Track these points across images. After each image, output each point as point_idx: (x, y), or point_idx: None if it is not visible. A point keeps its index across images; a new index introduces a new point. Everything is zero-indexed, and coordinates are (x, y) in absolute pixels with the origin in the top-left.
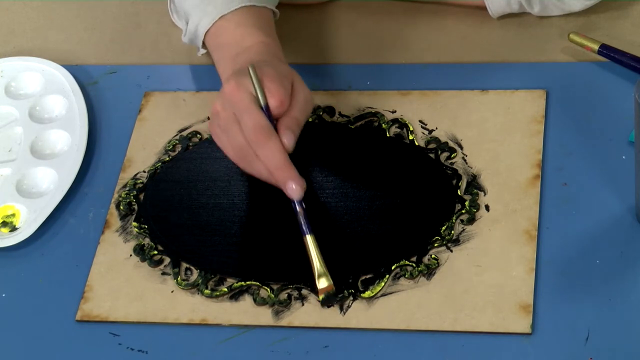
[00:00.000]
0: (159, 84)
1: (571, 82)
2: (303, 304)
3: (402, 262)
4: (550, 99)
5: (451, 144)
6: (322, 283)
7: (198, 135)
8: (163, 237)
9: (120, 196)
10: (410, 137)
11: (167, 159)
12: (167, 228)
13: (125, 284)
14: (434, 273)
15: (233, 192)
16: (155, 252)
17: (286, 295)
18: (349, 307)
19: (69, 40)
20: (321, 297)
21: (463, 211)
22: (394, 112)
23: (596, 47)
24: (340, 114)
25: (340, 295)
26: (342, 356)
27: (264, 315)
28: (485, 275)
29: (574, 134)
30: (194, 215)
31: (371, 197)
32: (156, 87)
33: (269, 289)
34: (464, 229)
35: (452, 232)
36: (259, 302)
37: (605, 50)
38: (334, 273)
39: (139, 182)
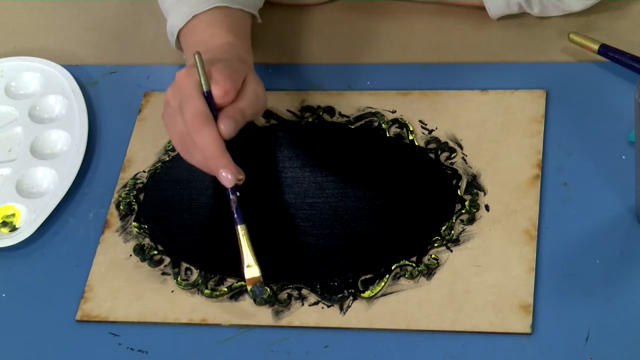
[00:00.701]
0: (159, 84)
1: (571, 82)
2: (303, 304)
3: (402, 262)
4: (550, 99)
5: (451, 144)
6: (251, 273)
7: None
8: (163, 237)
9: (120, 196)
10: (410, 137)
11: (167, 159)
12: (167, 228)
13: (125, 284)
14: (434, 273)
15: None
16: (155, 252)
17: (286, 295)
18: (349, 307)
19: (69, 40)
20: (249, 287)
21: (463, 211)
22: (394, 112)
23: (596, 47)
24: (340, 114)
25: (267, 291)
26: (342, 356)
27: (264, 315)
28: (485, 275)
29: (574, 134)
30: (194, 215)
31: (371, 197)
32: (156, 87)
33: (269, 289)
34: (464, 229)
35: (452, 232)
36: (259, 302)
37: (605, 50)
38: (334, 273)
39: (139, 182)
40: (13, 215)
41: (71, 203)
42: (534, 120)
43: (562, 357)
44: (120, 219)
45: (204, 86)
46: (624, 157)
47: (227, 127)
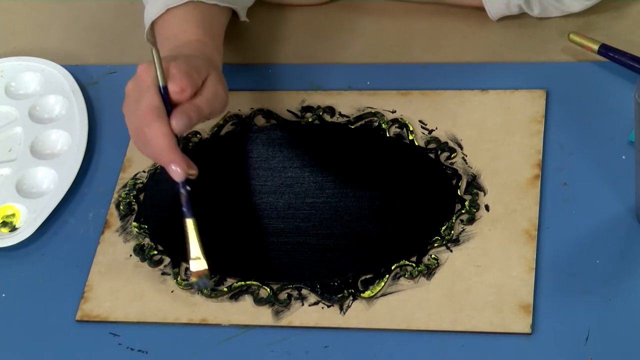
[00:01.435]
0: None
1: (571, 82)
2: (303, 304)
3: (402, 262)
4: (550, 99)
5: (451, 144)
6: (197, 266)
7: (198, 135)
8: (163, 237)
9: (120, 196)
10: (410, 137)
11: None
12: (167, 228)
13: (125, 284)
14: (434, 273)
15: (233, 192)
16: (155, 252)
17: (286, 295)
18: (349, 307)
19: (69, 40)
20: (194, 279)
21: (463, 211)
22: (394, 112)
23: (596, 47)
24: (340, 114)
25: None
26: (342, 356)
27: (264, 315)
28: (485, 275)
29: (574, 134)
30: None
31: (371, 197)
32: None
33: (269, 289)
34: (464, 229)
35: (452, 232)
36: (259, 302)
37: (605, 50)
38: (334, 273)
39: (139, 182)
40: (13, 215)
41: (71, 203)
42: (534, 120)
43: (562, 357)
44: (120, 219)
45: (160, 81)
46: (624, 157)
47: (179, 122)
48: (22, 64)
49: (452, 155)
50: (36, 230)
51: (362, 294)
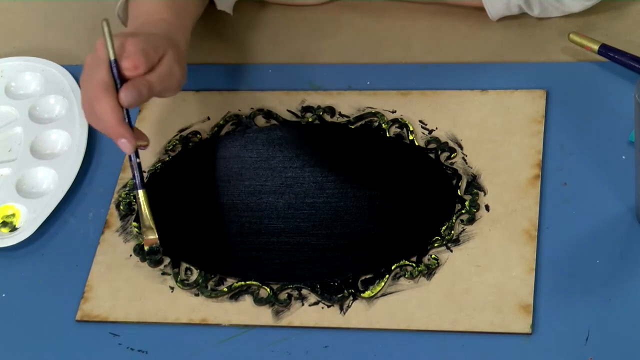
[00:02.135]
0: None
1: (571, 82)
2: (303, 304)
3: (402, 262)
4: (550, 99)
5: (451, 144)
6: (148, 235)
7: (198, 135)
8: (163, 237)
9: (120, 196)
10: (410, 137)
11: (167, 159)
12: (167, 228)
13: (125, 284)
14: (434, 273)
15: (233, 192)
16: None
17: (286, 295)
18: (349, 307)
19: (69, 40)
20: (146, 248)
21: (463, 211)
22: (394, 112)
23: (596, 47)
24: (340, 114)
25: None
26: (342, 356)
27: (264, 315)
28: (485, 275)
29: (574, 134)
30: (194, 215)
31: (371, 197)
32: None
33: (269, 289)
34: (464, 229)
35: (452, 232)
36: (259, 302)
37: (605, 50)
38: (334, 273)
39: None
40: (13, 215)
41: (71, 203)
42: (534, 120)
43: (562, 357)
44: (120, 219)
45: (110, 55)
46: (624, 157)
47: (127, 96)
48: (22, 64)
49: (452, 155)
50: (36, 230)
51: (362, 294)
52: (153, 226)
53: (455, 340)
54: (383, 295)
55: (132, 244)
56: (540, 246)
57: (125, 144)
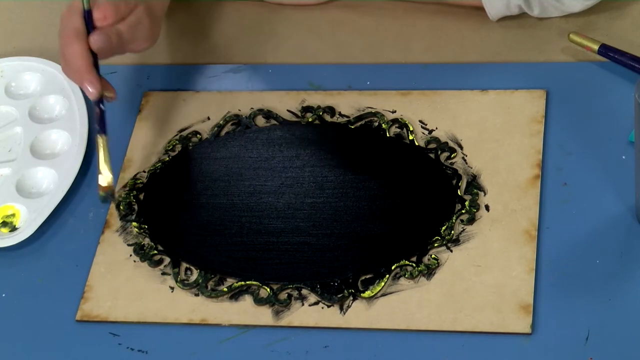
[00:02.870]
0: (159, 84)
1: (571, 82)
2: (303, 304)
3: (402, 262)
4: (550, 99)
5: (451, 144)
6: (104, 180)
7: (198, 135)
8: (163, 237)
9: (120, 196)
10: (410, 137)
11: (167, 159)
12: (167, 228)
13: (125, 284)
14: (434, 273)
15: (233, 192)
16: (155, 252)
17: (286, 295)
18: (349, 307)
19: None
20: (101, 193)
21: (463, 211)
22: (394, 112)
23: (596, 47)
24: (340, 114)
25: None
26: (342, 356)
27: (264, 315)
28: (485, 275)
29: (574, 134)
30: (194, 215)
31: (371, 197)
32: (156, 87)
33: (269, 289)
34: (464, 229)
35: (452, 232)
36: (259, 302)
37: (605, 50)
38: (334, 273)
39: (139, 182)
40: (13, 215)
41: (71, 203)
42: (534, 120)
43: (562, 357)
44: (120, 219)
45: (84, 5)
46: (624, 157)
47: (97, 40)
48: (22, 64)
49: (452, 155)
50: (36, 230)
51: (362, 294)
52: (110, 172)
53: (455, 340)
54: (383, 295)
55: (132, 244)
56: (540, 246)
57: (90, 91)
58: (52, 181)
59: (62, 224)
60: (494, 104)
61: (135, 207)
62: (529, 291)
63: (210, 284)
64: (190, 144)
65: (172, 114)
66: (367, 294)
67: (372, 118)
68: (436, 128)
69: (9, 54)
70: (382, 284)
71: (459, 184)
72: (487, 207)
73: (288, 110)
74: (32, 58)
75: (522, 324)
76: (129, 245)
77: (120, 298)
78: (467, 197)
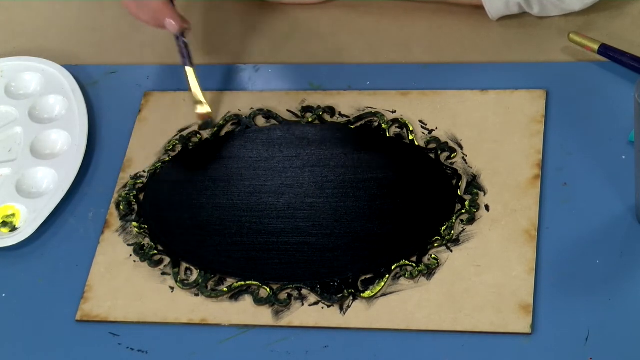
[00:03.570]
0: (159, 84)
1: (571, 82)
2: (303, 304)
3: (402, 262)
4: (550, 99)
5: (451, 144)
6: (201, 109)
7: (198, 135)
8: (163, 237)
9: (120, 196)
10: (410, 137)
11: (167, 159)
12: (167, 228)
13: (125, 284)
14: (434, 273)
15: (233, 192)
16: (155, 252)
17: (286, 295)
18: (349, 307)
19: (69, 40)
20: (200, 122)
21: (463, 211)
22: (394, 112)
23: (596, 47)
24: (340, 114)
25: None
26: (342, 356)
27: (263, 315)
28: (485, 275)
29: (574, 134)
30: (194, 215)
31: (371, 197)
32: (156, 87)
33: (269, 289)
34: (464, 229)
35: (452, 232)
36: (259, 302)
37: (605, 50)
38: (334, 273)
39: (139, 182)
40: (13, 215)
41: (71, 203)
42: (534, 120)
43: (562, 357)
44: (120, 219)
45: None
46: (624, 157)
47: None
48: (22, 64)
49: (452, 155)
50: (36, 230)
51: (362, 294)
52: (203, 100)
53: (455, 340)
54: (383, 295)
55: (132, 243)
56: (540, 246)
57: (171, 24)
58: (52, 181)
59: (62, 224)
60: (494, 104)
61: (135, 207)
62: (529, 291)
63: (210, 284)
64: (190, 144)
65: (172, 114)
66: (367, 294)
67: (372, 118)
68: (436, 128)
69: (9, 54)
70: (382, 284)
71: (459, 184)
72: (487, 207)
73: (288, 110)
74: (32, 58)
75: (522, 324)
76: (129, 245)
77: (120, 298)
78: (467, 197)
